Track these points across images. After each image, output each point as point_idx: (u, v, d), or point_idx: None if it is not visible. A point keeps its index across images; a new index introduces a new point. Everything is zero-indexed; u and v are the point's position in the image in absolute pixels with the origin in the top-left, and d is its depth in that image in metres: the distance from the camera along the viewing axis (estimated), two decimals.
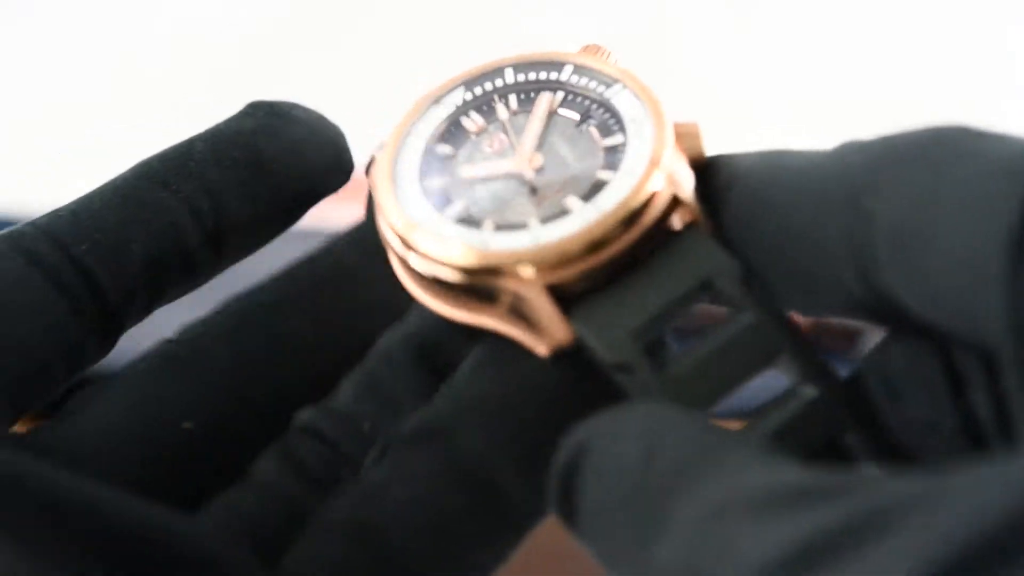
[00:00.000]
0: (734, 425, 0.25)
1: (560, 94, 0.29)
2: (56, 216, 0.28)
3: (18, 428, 0.27)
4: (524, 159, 0.28)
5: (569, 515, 0.24)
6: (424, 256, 0.27)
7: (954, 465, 0.20)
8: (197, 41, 0.99)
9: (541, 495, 0.26)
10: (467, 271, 0.26)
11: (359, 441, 0.28)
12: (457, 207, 0.27)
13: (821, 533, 0.19)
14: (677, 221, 0.27)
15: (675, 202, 0.27)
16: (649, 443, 0.22)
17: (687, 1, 1.01)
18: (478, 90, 0.29)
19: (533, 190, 0.28)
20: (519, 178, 0.28)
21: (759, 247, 0.26)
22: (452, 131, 0.29)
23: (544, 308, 0.26)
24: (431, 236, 0.26)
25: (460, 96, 0.29)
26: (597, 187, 0.27)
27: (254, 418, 0.28)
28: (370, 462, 0.27)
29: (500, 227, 0.27)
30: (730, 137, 0.99)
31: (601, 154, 0.28)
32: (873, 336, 0.27)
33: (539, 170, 0.28)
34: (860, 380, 0.26)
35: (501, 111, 0.29)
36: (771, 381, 0.26)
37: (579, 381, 0.27)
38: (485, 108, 0.29)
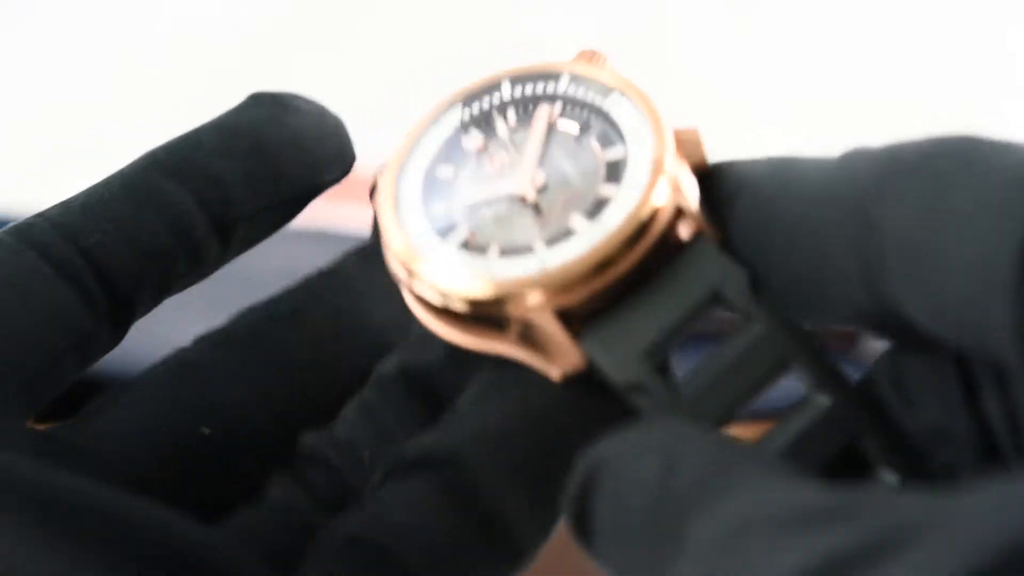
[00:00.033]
0: (747, 432, 0.25)
1: (558, 106, 0.29)
2: (65, 208, 0.29)
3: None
4: (526, 178, 0.28)
5: (584, 534, 0.24)
6: (430, 286, 0.26)
7: (970, 481, 0.20)
8: (197, 41, 0.99)
9: (544, 522, 0.27)
10: (474, 301, 0.26)
11: (360, 469, 0.28)
12: (461, 233, 0.27)
13: (840, 552, 0.19)
14: (683, 231, 0.26)
15: (679, 212, 0.26)
16: (665, 460, 0.22)
17: (687, 1, 1.01)
18: (476, 107, 0.29)
19: (537, 209, 0.27)
20: (522, 199, 0.27)
21: (766, 256, 0.26)
22: (452, 151, 0.29)
23: (554, 333, 0.26)
24: (435, 265, 0.26)
25: (459, 114, 0.29)
26: (601, 204, 0.26)
27: (264, 432, 0.28)
28: (373, 488, 0.27)
29: (505, 252, 0.26)
30: (730, 137, 0.99)
31: (603, 167, 0.27)
32: (875, 338, 0.27)
33: (541, 189, 0.27)
34: (873, 386, 0.26)
35: (500, 127, 0.29)
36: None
37: (582, 406, 0.27)
38: (484, 125, 0.29)
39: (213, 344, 0.28)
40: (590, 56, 0.29)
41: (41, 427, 0.27)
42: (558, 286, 0.25)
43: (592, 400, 0.26)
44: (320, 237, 0.37)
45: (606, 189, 0.27)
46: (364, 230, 0.31)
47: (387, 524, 0.26)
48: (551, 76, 0.29)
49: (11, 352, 0.26)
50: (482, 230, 0.27)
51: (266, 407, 0.28)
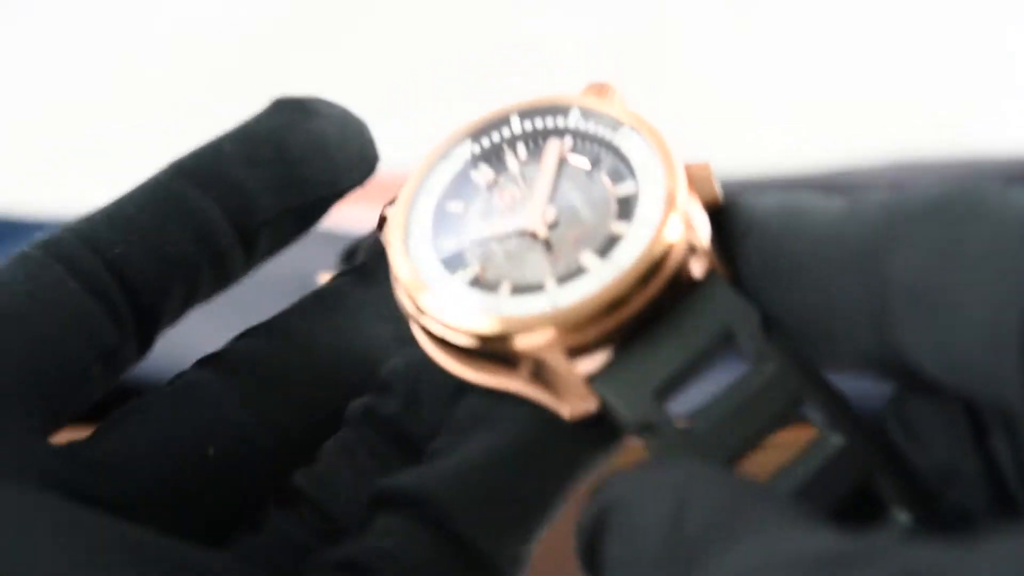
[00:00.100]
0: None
1: (568, 140, 0.28)
2: (91, 220, 0.29)
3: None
4: (537, 214, 0.27)
5: (594, 571, 0.24)
6: (439, 322, 0.26)
7: (984, 527, 0.20)
8: (197, 41, 0.99)
9: (519, 546, 0.27)
10: (484, 338, 0.26)
11: (341, 505, 0.28)
12: (471, 270, 0.26)
13: None
14: (695, 269, 0.26)
15: (691, 249, 0.26)
16: (678, 501, 0.22)
17: (687, 1, 1.01)
18: (486, 141, 0.29)
19: (547, 246, 0.27)
20: (532, 235, 0.27)
21: (774, 297, 0.26)
22: (462, 186, 0.28)
23: (565, 372, 0.25)
24: (445, 301, 0.26)
25: (468, 149, 0.29)
26: (612, 241, 0.26)
27: (265, 454, 0.28)
28: (356, 526, 0.27)
29: (516, 289, 0.26)
30: (730, 137, 0.99)
31: (614, 203, 0.27)
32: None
33: (552, 225, 0.27)
34: (883, 425, 0.26)
35: (511, 162, 0.28)
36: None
37: (552, 436, 0.27)
38: (494, 159, 0.29)
39: (212, 368, 0.28)
40: (599, 89, 0.29)
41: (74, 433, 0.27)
42: (570, 325, 0.25)
43: (563, 429, 0.27)
44: (335, 239, 0.37)
45: (618, 226, 0.26)
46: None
47: (374, 550, 0.26)
48: (560, 110, 0.28)
49: (35, 365, 0.26)
50: (492, 266, 0.27)
51: (266, 429, 0.28)
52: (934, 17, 0.96)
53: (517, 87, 1.03)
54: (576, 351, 0.25)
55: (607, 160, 0.28)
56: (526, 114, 0.29)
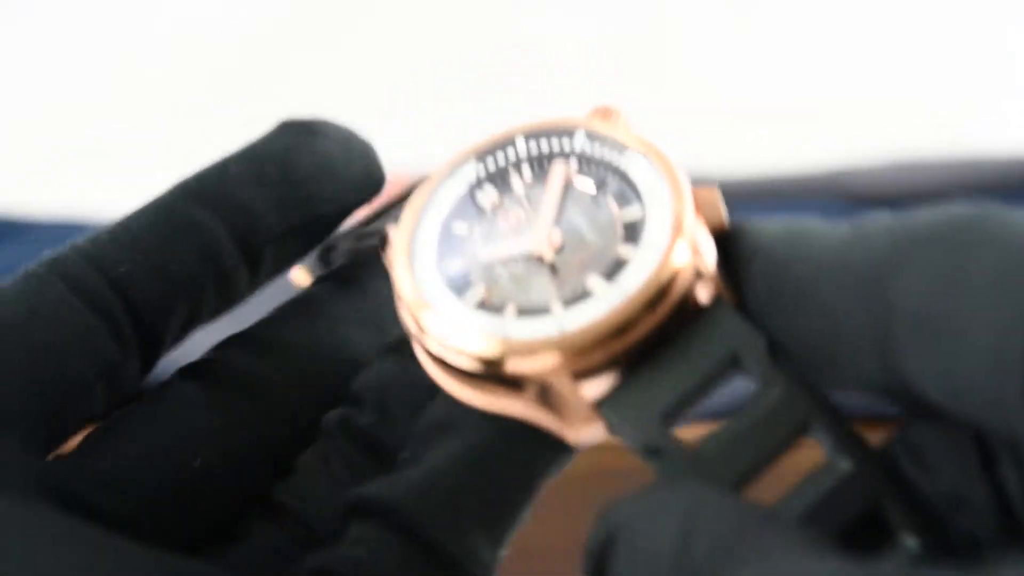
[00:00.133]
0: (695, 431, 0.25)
1: (574, 163, 0.28)
2: (96, 239, 0.29)
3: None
4: (543, 237, 0.27)
5: None
6: (444, 344, 0.26)
7: (992, 554, 0.20)
8: (197, 41, 0.99)
9: (492, 547, 0.27)
10: (490, 361, 0.26)
11: (319, 516, 0.29)
12: (477, 292, 0.26)
13: None
14: (702, 294, 0.26)
15: (698, 274, 0.26)
16: (685, 525, 0.22)
17: (687, 1, 1.01)
18: (491, 163, 0.29)
19: (553, 269, 0.27)
20: (538, 258, 0.27)
21: (779, 322, 0.26)
22: (467, 207, 0.28)
23: (571, 396, 0.25)
24: (451, 323, 0.26)
25: (473, 170, 0.29)
26: (619, 264, 0.26)
27: (246, 464, 0.28)
28: (336, 525, 0.28)
29: (522, 312, 0.26)
30: (730, 137, 0.99)
31: (620, 227, 0.27)
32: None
33: (558, 248, 0.27)
34: (891, 451, 0.26)
35: (516, 184, 0.28)
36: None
37: (517, 441, 0.27)
38: (499, 181, 0.29)
39: (195, 379, 0.29)
40: (604, 113, 0.29)
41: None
42: (576, 349, 0.25)
43: (522, 433, 0.27)
44: None
45: (624, 249, 0.26)
46: None
47: (347, 558, 0.27)
48: (566, 133, 0.28)
49: (36, 381, 0.26)
50: (498, 288, 0.27)
51: (247, 441, 0.28)
52: (934, 17, 0.96)
53: (517, 87, 1.03)
54: (582, 375, 0.26)
55: (613, 183, 0.28)
56: (531, 136, 0.29)
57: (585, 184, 0.28)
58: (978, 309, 0.22)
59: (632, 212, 0.27)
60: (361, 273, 0.31)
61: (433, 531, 0.27)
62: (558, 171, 0.28)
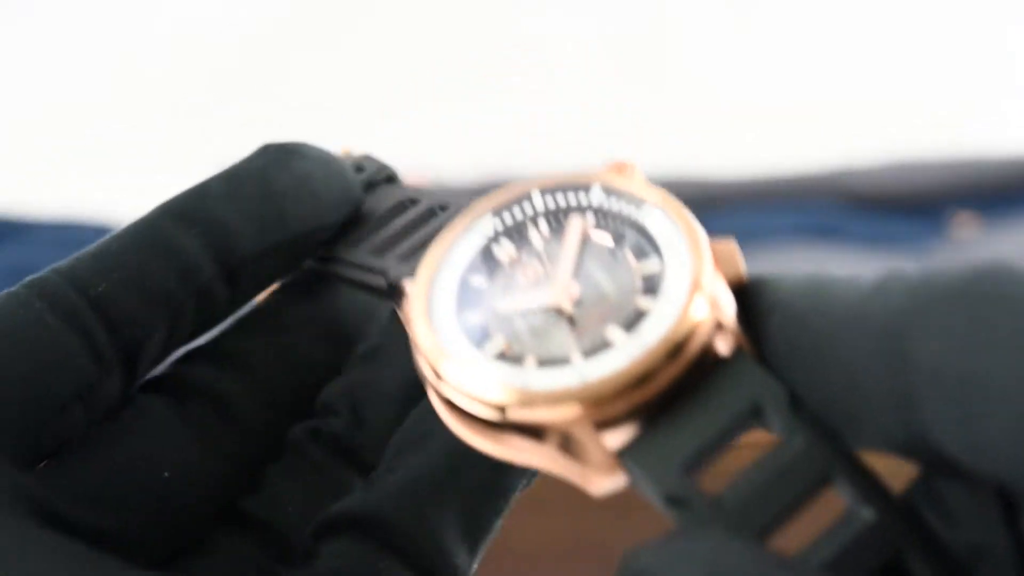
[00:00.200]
0: None
1: (590, 217, 0.29)
2: (77, 259, 0.29)
3: None
4: (561, 290, 0.27)
5: None
6: (463, 393, 0.26)
7: None
8: (197, 41, 0.99)
9: (470, 550, 0.28)
10: (512, 411, 0.26)
11: (291, 526, 0.29)
12: (497, 343, 0.27)
13: None
14: (721, 346, 0.26)
15: (718, 326, 0.26)
16: (707, 574, 0.22)
17: (687, 1, 1.01)
18: (507, 217, 0.29)
19: (572, 321, 0.27)
20: (557, 310, 0.27)
21: (798, 376, 0.26)
22: (485, 261, 0.28)
23: (593, 446, 0.25)
24: (471, 374, 0.26)
25: (490, 224, 0.29)
26: (639, 316, 0.26)
27: (212, 478, 0.29)
28: (307, 542, 0.28)
29: (542, 363, 0.26)
30: (730, 137, 0.99)
31: (639, 280, 0.27)
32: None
33: (577, 301, 0.27)
34: (913, 500, 0.26)
35: (533, 238, 0.28)
36: None
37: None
38: (516, 235, 0.29)
39: (159, 394, 0.29)
40: (620, 168, 0.29)
41: None
42: (598, 399, 0.25)
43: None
44: None
45: (643, 301, 0.26)
46: None
47: (323, 572, 0.27)
48: (582, 187, 0.29)
49: (9, 400, 0.26)
50: (517, 341, 0.27)
51: (212, 455, 0.29)
52: (934, 17, 0.96)
53: (517, 87, 1.03)
54: (604, 425, 0.25)
55: (630, 237, 0.28)
56: (547, 190, 0.29)
57: (602, 238, 0.28)
58: (1001, 366, 0.22)
59: (650, 265, 0.27)
60: (319, 283, 0.31)
61: (410, 539, 0.27)
62: (575, 225, 0.28)
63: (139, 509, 0.27)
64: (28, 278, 0.28)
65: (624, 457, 0.25)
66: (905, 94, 0.90)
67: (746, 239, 0.77)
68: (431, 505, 0.28)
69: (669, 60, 0.96)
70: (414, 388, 0.29)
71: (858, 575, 0.24)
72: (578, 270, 0.28)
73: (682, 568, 0.23)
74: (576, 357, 0.26)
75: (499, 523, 0.29)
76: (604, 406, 0.25)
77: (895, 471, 0.25)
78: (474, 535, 0.28)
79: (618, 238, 0.28)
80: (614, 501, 0.27)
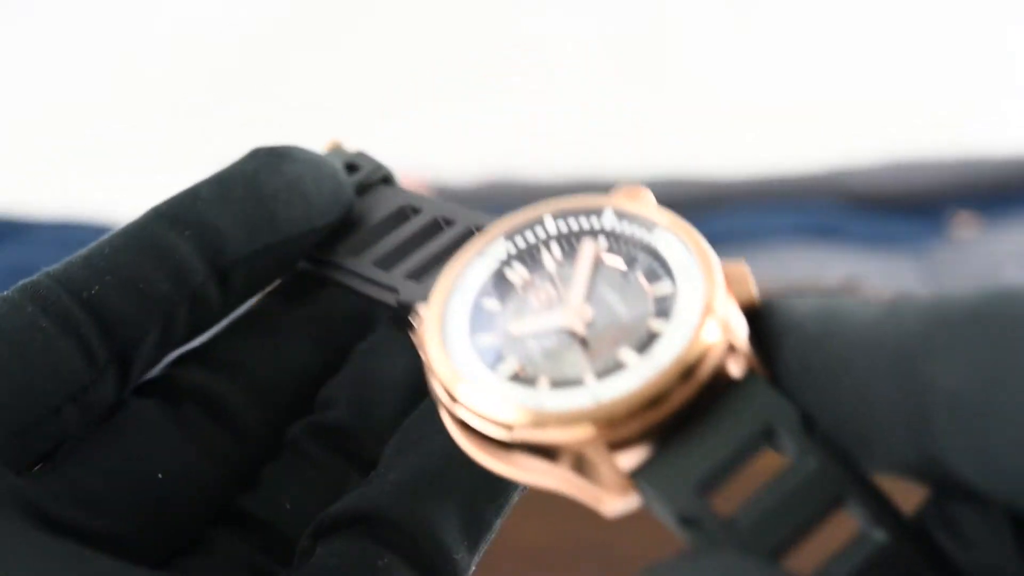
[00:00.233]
0: None
1: (603, 241, 0.29)
2: (69, 263, 0.29)
3: None
4: (574, 312, 0.27)
5: None
6: (477, 414, 0.26)
7: None
8: (197, 41, 0.99)
9: (469, 546, 0.28)
10: (526, 431, 0.26)
11: (289, 522, 0.29)
12: (510, 364, 0.27)
13: None
14: (734, 368, 0.26)
15: (730, 348, 0.26)
16: None
17: (687, 1, 1.01)
18: (520, 241, 0.29)
19: (585, 343, 0.27)
20: (570, 333, 0.27)
21: (812, 399, 0.26)
22: (498, 284, 0.29)
23: (606, 467, 0.26)
24: (485, 395, 0.26)
25: (503, 248, 0.29)
26: (651, 338, 0.26)
27: (206, 482, 0.29)
28: (306, 541, 0.28)
29: (556, 384, 0.26)
30: (730, 137, 0.99)
31: (651, 302, 0.27)
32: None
33: (590, 323, 0.28)
34: (926, 522, 0.26)
35: (546, 261, 0.29)
36: None
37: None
38: (528, 259, 0.29)
39: (153, 398, 0.29)
40: (631, 192, 0.29)
41: None
42: (611, 420, 0.25)
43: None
44: None
45: (656, 324, 0.27)
46: None
47: (320, 569, 0.27)
48: (594, 211, 0.29)
49: (4, 404, 0.27)
50: (530, 363, 0.27)
51: (207, 458, 0.29)
52: (934, 17, 0.96)
53: (517, 87, 1.03)
54: (617, 446, 0.26)
55: (642, 260, 0.28)
56: (560, 215, 0.29)
57: (614, 261, 0.28)
58: (1015, 389, 0.22)
59: (662, 288, 0.27)
60: (312, 285, 0.32)
61: (409, 536, 0.27)
62: (587, 248, 0.29)
63: (134, 511, 0.28)
64: (21, 282, 0.28)
65: (637, 478, 0.26)
66: (905, 94, 0.91)
67: (746, 239, 0.77)
68: (430, 502, 0.28)
69: (669, 60, 0.96)
70: (415, 386, 0.29)
71: None
72: (591, 293, 0.28)
73: None
74: (589, 378, 0.26)
75: (500, 522, 0.29)
76: (618, 427, 0.25)
77: (906, 493, 0.25)
78: (474, 533, 0.28)
79: (630, 261, 0.28)
80: None
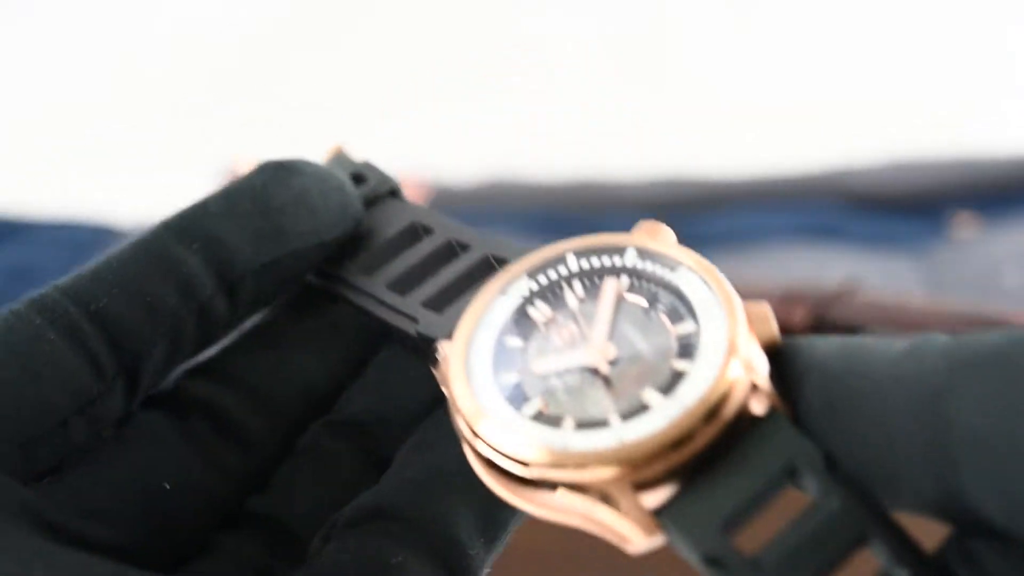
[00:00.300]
0: None
1: (625, 279, 0.29)
2: (77, 276, 0.30)
3: None
4: (597, 350, 0.28)
5: None
6: (502, 453, 0.27)
7: None
8: (197, 41, 0.99)
9: (486, 542, 0.28)
10: (551, 472, 0.26)
11: (303, 517, 0.29)
12: (534, 404, 0.27)
13: None
14: (756, 407, 0.27)
15: (752, 387, 0.27)
16: None
17: (687, 1, 1.01)
18: (542, 279, 0.29)
19: (608, 382, 0.27)
20: (594, 371, 0.28)
21: (834, 437, 0.26)
22: (520, 322, 0.29)
23: (631, 506, 0.26)
24: (510, 433, 0.26)
25: (525, 286, 0.29)
26: (675, 379, 0.27)
27: (212, 494, 0.29)
28: (318, 542, 0.28)
29: (580, 425, 0.27)
30: (730, 137, 0.99)
31: (674, 342, 0.28)
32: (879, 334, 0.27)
33: (613, 362, 0.28)
34: (948, 560, 0.26)
35: (568, 299, 0.29)
36: None
37: None
38: (551, 296, 0.29)
39: (161, 410, 0.29)
40: (652, 229, 0.29)
41: None
42: (637, 460, 0.26)
43: None
44: None
45: (679, 364, 0.27)
46: None
47: (334, 571, 0.27)
48: (616, 250, 0.29)
49: (10, 417, 0.27)
50: (554, 401, 0.27)
51: (215, 465, 0.29)
52: (934, 17, 0.96)
53: (517, 87, 1.03)
54: (642, 486, 0.26)
55: (664, 299, 0.28)
56: (581, 253, 0.29)
57: (636, 300, 0.29)
58: None
59: (685, 327, 0.27)
60: (320, 299, 0.32)
61: (424, 531, 0.27)
62: (610, 286, 0.29)
63: (140, 523, 0.28)
64: (29, 296, 0.29)
65: (662, 517, 0.26)
66: (905, 94, 0.91)
67: (746, 239, 0.78)
68: (446, 500, 0.28)
69: (669, 60, 0.96)
70: (434, 392, 0.29)
71: None
72: (613, 331, 0.28)
73: None
74: (614, 419, 0.26)
75: (518, 519, 0.29)
76: (643, 468, 0.26)
77: (928, 530, 0.26)
78: (490, 531, 0.28)
79: (652, 300, 0.28)
80: None
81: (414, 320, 0.30)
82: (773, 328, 0.27)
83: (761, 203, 0.79)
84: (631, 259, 0.29)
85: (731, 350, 0.26)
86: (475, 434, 0.27)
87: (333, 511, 0.29)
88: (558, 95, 0.93)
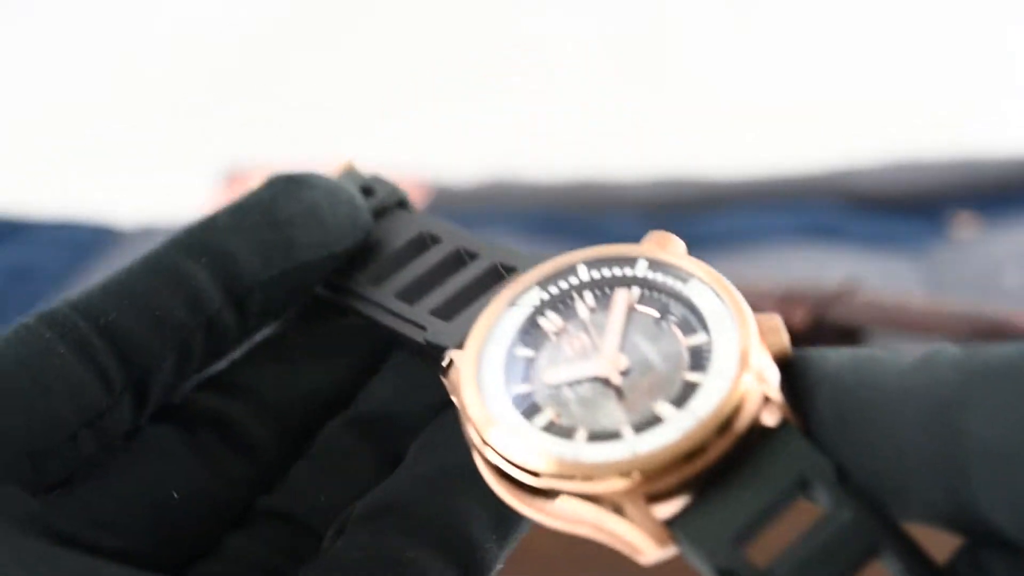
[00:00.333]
0: None
1: (636, 290, 0.29)
2: (88, 290, 0.30)
3: None
4: (609, 361, 0.28)
5: None
6: (514, 464, 0.27)
7: None
8: (197, 41, 0.99)
9: (498, 538, 0.28)
10: (563, 483, 0.26)
11: (317, 511, 0.29)
12: (546, 415, 0.27)
13: None
14: (768, 419, 0.27)
15: (764, 400, 0.27)
16: None
17: (687, 1, 1.01)
18: (553, 289, 0.29)
19: (620, 393, 0.27)
20: (605, 381, 0.28)
21: (845, 449, 0.26)
22: (531, 332, 0.29)
23: (643, 518, 0.26)
24: (522, 444, 0.26)
25: (536, 296, 0.29)
26: (688, 390, 0.27)
27: (221, 503, 0.29)
28: (330, 537, 0.28)
29: (593, 437, 0.27)
30: (730, 137, 0.99)
31: (686, 353, 0.28)
32: (880, 339, 0.27)
33: (624, 372, 0.28)
34: (959, 571, 0.26)
35: (579, 310, 0.29)
36: None
37: None
38: (561, 307, 0.29)
39: (170, 424, 0.29)
40: (662, 240, 0.29)
41: None
42: (650, 472, 0.26)
43: None
44: None
45: (691, 376, 0.27)
46: None
47: (345, 566, 0.27)
48: (627, 261, 0.29)
49: (20, 430, 0.27)
50: (566, 412, 0.27)
51: (223, 477, 0.29)
52: (934, 17, 0.96)
53: (517, 87, 1.03)
54: (655, 498, 0.26)
55: (676, 310, 0.28)
56: (592, 264, 0.29)
57: (647, 311, 0.29)
58: None
59: (697, 339, 0.27)
60: (330, 311, 0.32)
61: (436, 527, 0.27)
62: (621, 297, 0.29)
63: (150, 534, 0.28)
64: (38, 310, 0.29)
65: (674, 528, 0.26)
66: (905, 94, 0.91)
67: (746, 239, 0.77)
68: (458, 495, 0.28)
69: (669, 60, 0.96)
70: (447, 393, 0.29)
71: None
72: (624, 342, 0.28)
73: None
74: (627, 431, 0.26)
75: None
76: (655, 480, 0.26)
77: (939, 542, 0.26)
78: (503, 527, 0.28)
79: (663, 311, 0.28)
80: None
81: (423, 328, 0.30)
82: (784, 340, 0.27)
83: (761, 203, 0.79)
84: (642, 270, 0.29)
85: (743, 362, 0.26)
86: (485, 442, 0.27)
87: (348, 506, 0.29)
88: (558, 95, 0.93)
